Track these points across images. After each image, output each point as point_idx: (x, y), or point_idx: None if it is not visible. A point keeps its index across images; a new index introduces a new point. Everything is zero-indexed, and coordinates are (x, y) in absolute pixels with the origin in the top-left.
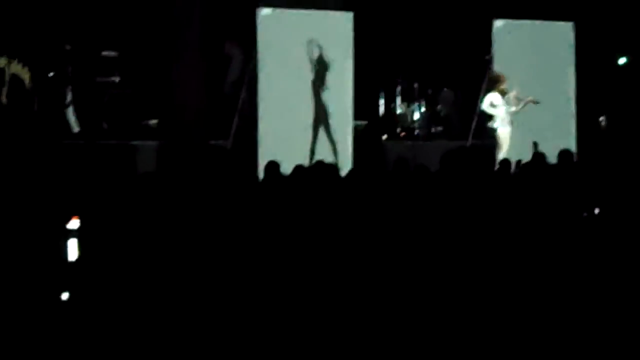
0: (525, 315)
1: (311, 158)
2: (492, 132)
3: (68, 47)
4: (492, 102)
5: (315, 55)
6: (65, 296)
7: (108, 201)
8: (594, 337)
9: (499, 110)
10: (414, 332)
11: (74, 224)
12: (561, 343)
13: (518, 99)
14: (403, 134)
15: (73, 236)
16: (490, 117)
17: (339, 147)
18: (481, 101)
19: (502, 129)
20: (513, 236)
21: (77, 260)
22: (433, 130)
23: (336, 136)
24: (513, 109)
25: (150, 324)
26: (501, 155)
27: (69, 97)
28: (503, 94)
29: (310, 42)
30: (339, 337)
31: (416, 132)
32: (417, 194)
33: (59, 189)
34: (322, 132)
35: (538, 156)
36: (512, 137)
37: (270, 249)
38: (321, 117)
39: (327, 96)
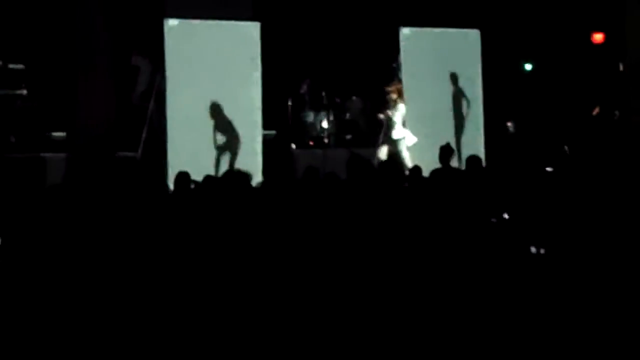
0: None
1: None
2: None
3: None
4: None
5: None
6: None
7: (16, 214)
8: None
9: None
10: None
11: None
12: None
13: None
14: (312, 142)
15: None
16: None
17: (249, 158)
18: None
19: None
20: (422, 241)
21: None
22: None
23: (245, 146)
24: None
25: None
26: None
27: None
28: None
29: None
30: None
31: (325, 140)
32: (327, 201)
33: None
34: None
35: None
36: (421, 143)
37: (182, 260)
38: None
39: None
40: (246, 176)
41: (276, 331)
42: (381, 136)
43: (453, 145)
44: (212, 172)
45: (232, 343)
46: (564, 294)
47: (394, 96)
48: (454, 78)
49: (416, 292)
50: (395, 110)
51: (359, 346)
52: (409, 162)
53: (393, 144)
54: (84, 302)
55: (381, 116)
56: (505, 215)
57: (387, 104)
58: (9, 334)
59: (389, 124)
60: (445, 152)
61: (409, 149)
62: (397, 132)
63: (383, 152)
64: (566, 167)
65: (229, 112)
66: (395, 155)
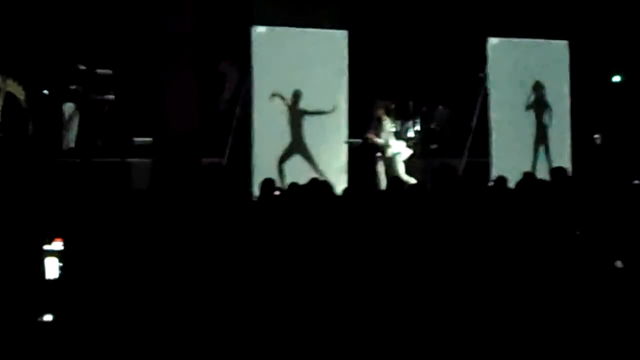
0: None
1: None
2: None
3: (63, 65)
4: None
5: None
6: (48, 317)
7: (102, 219)
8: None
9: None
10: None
11: (56, 245)
12: None
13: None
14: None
15: (54, 256)
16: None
17: (334, 164)
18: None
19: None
20: (507, 254)
21: (60, 279)
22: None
23: (330, 154)
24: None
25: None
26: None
27: (67, 114)
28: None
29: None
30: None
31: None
32: (412, 211)
33: (48, 208)
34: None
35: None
36: (507, 152)
37: (267, 267)
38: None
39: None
40: (328, 185)
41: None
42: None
43: (530, 156)
44: (298, 180)
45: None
46: None
47: (380, 114)
48: (537, 86)
49: (505, 303)
50: (381, 131)
51: None
52: (404, 176)
53: (388, 162)
54: (166, 308)
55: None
56: (577, 232)
57: (372, 124)
58: (97, 336)
59: (379, 144)
60: (439, 175)
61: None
62: (392, 149)
63: (381, 166)
64: None
65: (315, 120)
66: (391, 172)
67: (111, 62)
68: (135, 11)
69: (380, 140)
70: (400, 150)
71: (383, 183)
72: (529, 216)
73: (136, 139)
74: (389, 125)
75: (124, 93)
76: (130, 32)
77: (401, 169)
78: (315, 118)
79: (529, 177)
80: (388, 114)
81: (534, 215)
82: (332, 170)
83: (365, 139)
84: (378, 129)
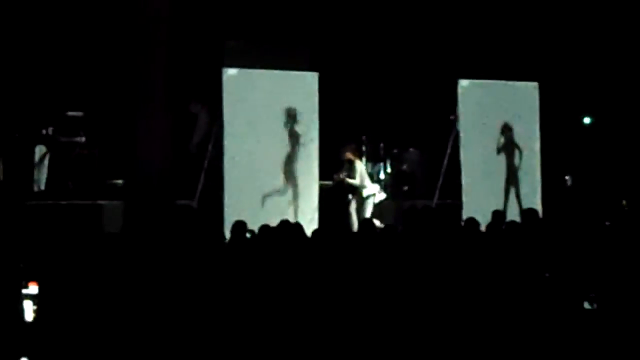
0: None
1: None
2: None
3: (34, 107)
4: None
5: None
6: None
7: (73, 261)
8: None
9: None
10: None
11: (32, 289)
12: None
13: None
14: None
15: (30, 300)
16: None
17: (306, 206)
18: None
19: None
20: (478, 294)
21: (35, 322)
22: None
23: (303, 196)
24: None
25: None
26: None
27: (38, 156)
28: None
29: (287, 111)
30: None
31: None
32: (384, 253)
33: (20, 251)
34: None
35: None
36: (478, 193)
37: (237, 308)
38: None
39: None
40: (299, 227)
41: None
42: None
43: (501, 197)
44: (269, 222)
45: None
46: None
47: (349, 156)
48: (505, 128)
49: (473, 342)
50: (354, 172)
51: None
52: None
53: (361, 203)
54: (139, 348)
55: (336, 177)
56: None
57: (342, 167)
58: None
59: (355, 184)
60: (410, 217)
61: (375, 205)
62: (367, 190)
63: (353, 207)
64: (624, 222)
65: (287, 161)
66: (362, 214)
67: (82, 104)
68: (106, 53)
69: (355, 182)
70: (375, 192)
71: (355, 225)
72: (500, 257)
73: (110, 181)
74: (361, 167)
75: (95, 135)
76: (101, 74)
77: (369, 212)
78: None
79: (498, 216)
80: (359, 156)
81: (505, 256)
82: (304, 211)
83: (341, 180)
84: (350, 171)
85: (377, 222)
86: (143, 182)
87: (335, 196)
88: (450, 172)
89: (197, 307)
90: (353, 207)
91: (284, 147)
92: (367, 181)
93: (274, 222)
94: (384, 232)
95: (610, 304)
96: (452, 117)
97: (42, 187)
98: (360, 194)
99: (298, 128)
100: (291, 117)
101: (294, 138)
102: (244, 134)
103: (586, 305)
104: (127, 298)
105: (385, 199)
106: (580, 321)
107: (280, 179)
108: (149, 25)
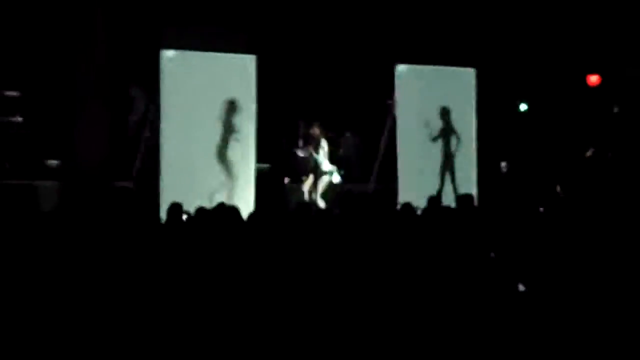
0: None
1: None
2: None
3: None
4: None
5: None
6: None
7: (7, 241)
8: None
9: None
10: None
11: None
12: None
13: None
14: (305, 177)
15: None
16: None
17: (243, 189)
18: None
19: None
20: (411, 279)
21: None
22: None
23: (239, 179)
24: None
25: None
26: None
27: None
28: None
29: (229, 103)
30: None
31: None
32: (319, 236)
33: None
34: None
35: (435, 200)
36: (414, 178)
37: (173, 288)
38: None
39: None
40: (236, 210)
41: None
42: (309, 170)
43: (437, 182)
44: (205, 204)
45: None
46: (546, 333)
47: (317, 133)
48: (444, 112)
49: (407, 328)
50: (320, 148)
51: None
52: (319, 199)
53: (321, 176)
54: (74, 331)
55: (300, 153)
56: (492, 254)
57: (312, 142)
58: None
59: (314, 160)
60: (344, 201)
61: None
62: (327, 165)
63: (307, 185)
64: (558, 208)
65: (222, 145)
66: (330, 186)
67: (19, 84)
68: (45, 34)
69: (319, 158)
70: (332, 171)
71: (317, 199)
72: (434, 244)
73: (46, 162)
74: (326, 145)
75: (33, 115)
76: (39, 53)
77: (322, 188)
78: (222, 142)
79: (434, 202)
80: (322, 134)
81: (439, 242)
82: (239, 194)
83: (310, 154)
84: (317, 148)
85: (322, 203)
86: (80, 163)
87: (271, 179)
88: (387, 157)
89: (131, 288)
90: (308, 183)
91: (221, 133)
92: (326, 161)
93: (210, 205)
94: (319, 215)
95: (542, 287)
96: (389, 102)
97: None
98: (321, 169)
99: (235, 120)
100: (232, 109)
101: (231, 128)
102: (181, 116)
103: (521, 287)
104: (62, 277)
105: (340, 183)
106: (515, 304)
107: (216, 162)
108: (88, 7)
